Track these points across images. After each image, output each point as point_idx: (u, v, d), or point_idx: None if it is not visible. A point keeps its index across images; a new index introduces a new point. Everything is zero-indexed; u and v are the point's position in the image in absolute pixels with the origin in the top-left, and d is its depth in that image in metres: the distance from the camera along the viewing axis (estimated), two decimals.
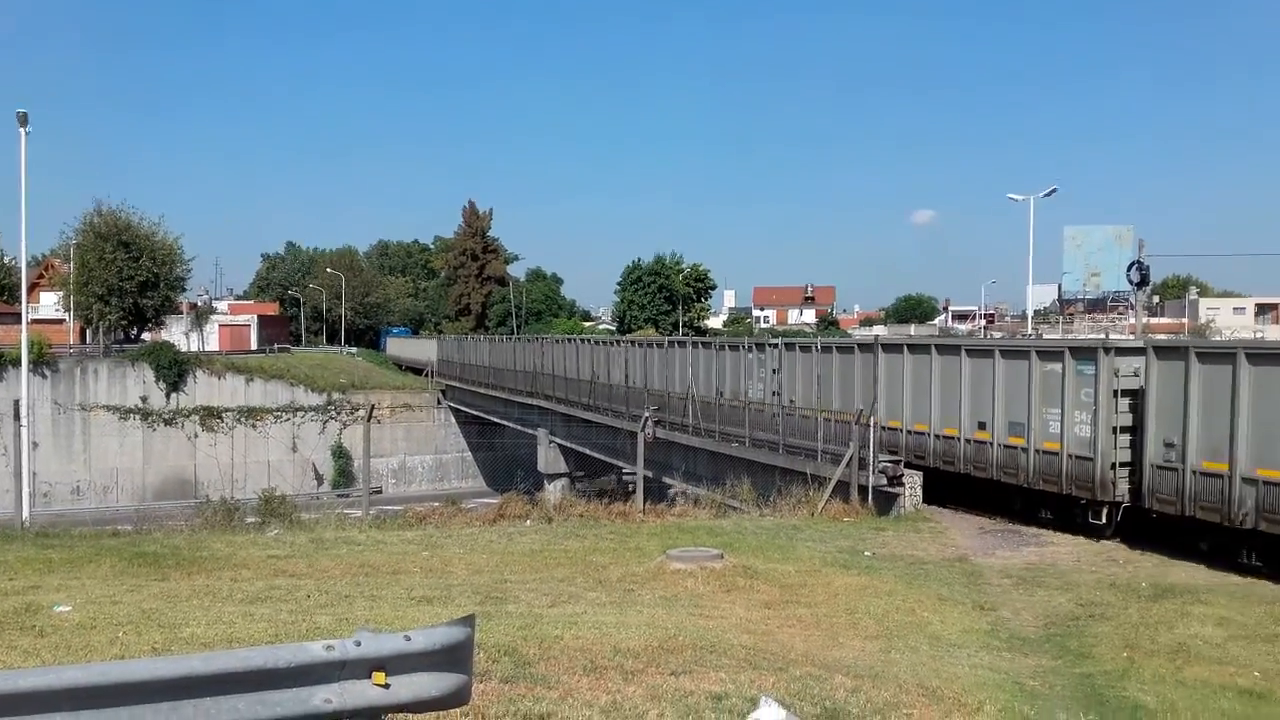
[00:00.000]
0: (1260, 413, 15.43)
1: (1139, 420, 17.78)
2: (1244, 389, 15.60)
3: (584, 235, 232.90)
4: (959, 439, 21.51)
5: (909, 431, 23.11)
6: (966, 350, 21.92)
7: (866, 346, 25.51)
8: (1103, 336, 29.92)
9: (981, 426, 20.93)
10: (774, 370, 28.15)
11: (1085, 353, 18.90)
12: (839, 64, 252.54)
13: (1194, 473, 16.45)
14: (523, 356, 50.98)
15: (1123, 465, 18.16)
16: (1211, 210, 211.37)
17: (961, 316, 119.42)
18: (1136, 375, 17.97)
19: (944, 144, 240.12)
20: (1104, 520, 18.32)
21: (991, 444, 20.63)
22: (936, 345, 23.38)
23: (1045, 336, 54.94)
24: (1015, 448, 20.05)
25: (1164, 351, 17.60)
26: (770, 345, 29.45)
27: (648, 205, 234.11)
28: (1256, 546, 15.65)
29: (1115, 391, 18.14)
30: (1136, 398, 17.90)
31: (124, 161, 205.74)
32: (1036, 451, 19.52)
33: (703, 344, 34.44)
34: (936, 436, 22.30)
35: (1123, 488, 18.13)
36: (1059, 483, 19.03)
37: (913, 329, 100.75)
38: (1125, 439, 18.14)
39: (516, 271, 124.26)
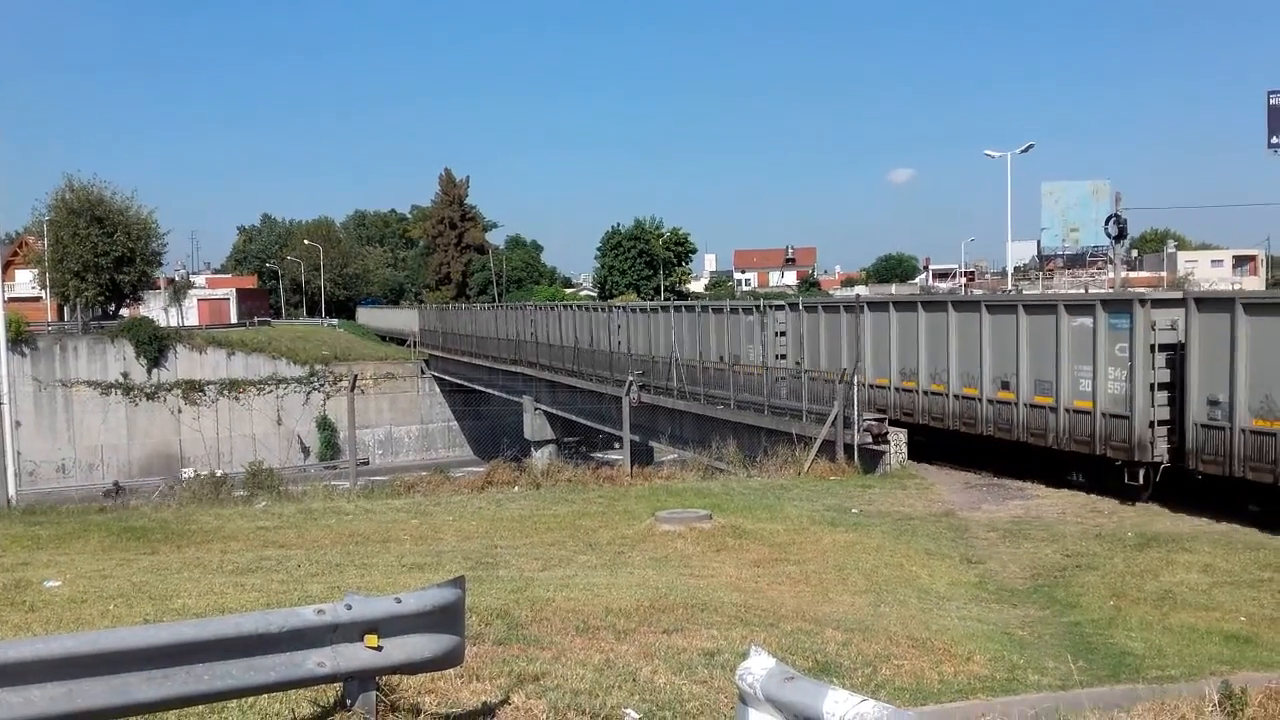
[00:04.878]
0: (961, 347, 21.57)
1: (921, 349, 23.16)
2: (983, 332, 21.03)
3: (562, 201, 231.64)
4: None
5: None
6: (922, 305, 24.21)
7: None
8: (1082, 290, 30.57)
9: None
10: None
11: (878, 305, 25.41)
12: (815, 17, 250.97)
13: (947, 396, 21.92)
14: (506, 324, 50.80)
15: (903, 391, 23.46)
16: (1187, 163, 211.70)
17: (942, 275, 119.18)
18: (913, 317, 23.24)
19: (920, 101, 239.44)
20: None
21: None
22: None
23: (1025, 292, 55.11)
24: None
25: (926, 304, 23.52)
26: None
27: (625, 169, 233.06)
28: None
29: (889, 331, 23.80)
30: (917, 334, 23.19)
31: (92, 134, 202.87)
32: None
33: (686, 308, 34.41)
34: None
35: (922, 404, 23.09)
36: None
37: (894, 288, 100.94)
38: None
39: (495, 239, 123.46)
